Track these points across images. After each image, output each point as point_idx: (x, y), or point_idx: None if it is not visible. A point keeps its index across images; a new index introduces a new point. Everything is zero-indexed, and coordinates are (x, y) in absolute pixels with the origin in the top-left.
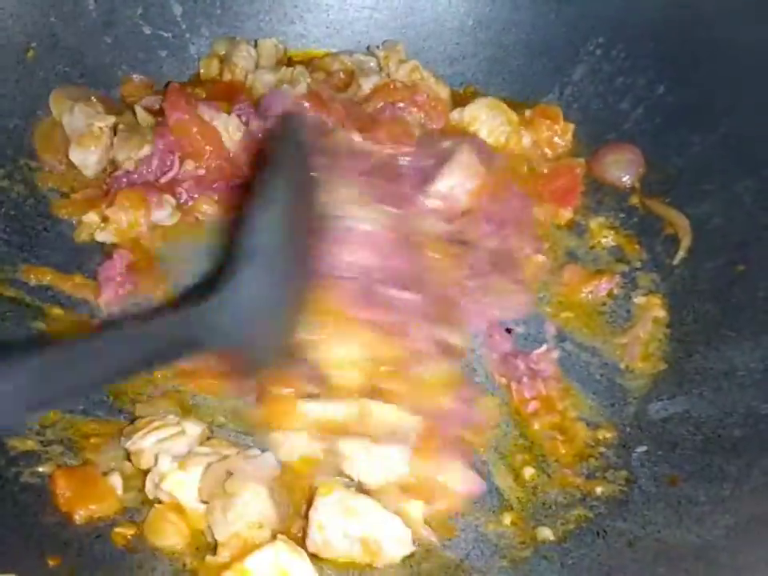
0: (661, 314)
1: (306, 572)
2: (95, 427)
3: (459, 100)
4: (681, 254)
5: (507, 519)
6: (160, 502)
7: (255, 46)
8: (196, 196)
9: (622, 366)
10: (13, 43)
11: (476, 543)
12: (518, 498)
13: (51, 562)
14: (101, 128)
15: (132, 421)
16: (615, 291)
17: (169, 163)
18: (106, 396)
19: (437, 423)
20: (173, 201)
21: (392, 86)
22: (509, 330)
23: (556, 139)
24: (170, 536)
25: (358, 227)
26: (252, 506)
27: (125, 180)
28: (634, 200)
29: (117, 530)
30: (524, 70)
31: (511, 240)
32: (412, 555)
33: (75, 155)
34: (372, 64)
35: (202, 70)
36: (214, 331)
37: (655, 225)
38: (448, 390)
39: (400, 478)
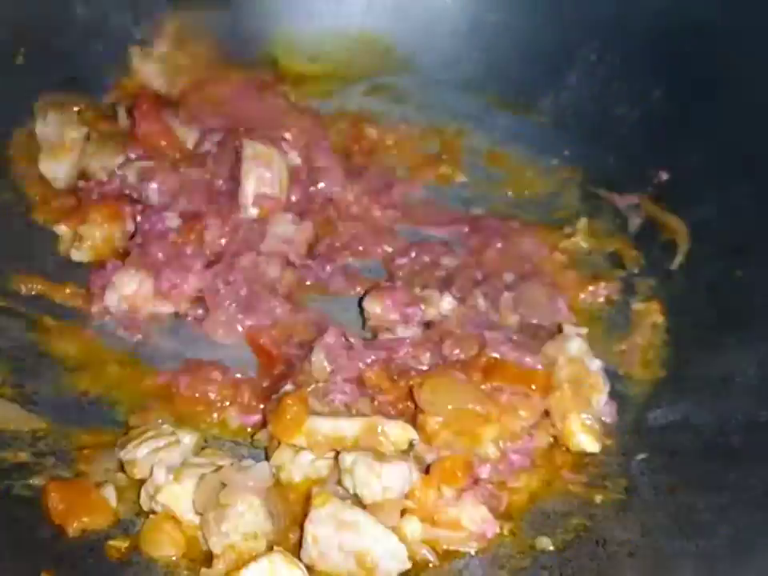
0: (659, 319)
1: None
2: (88, 438)
3: None
4: (679, 259)
5: (506, 528)
6: (154, 513)
7: None
8: None
9: (621, 372)
10: (1, 48)
11: (475, 553)
12: (516, 506)
13: None
14: (73, 139)
15: (126, 431)
16: (613, 297)
17: None
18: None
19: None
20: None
21: None
22: None
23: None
24: (165, 547)
25: None
26: (246, 517)
27: (96, 192)
28: (632, 206)
29: (111, 542)
30: (519, 75)
31: None
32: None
33: (44, 166)
34: None
35: None
36: None
37: (653, 230)
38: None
39: (399, 497)
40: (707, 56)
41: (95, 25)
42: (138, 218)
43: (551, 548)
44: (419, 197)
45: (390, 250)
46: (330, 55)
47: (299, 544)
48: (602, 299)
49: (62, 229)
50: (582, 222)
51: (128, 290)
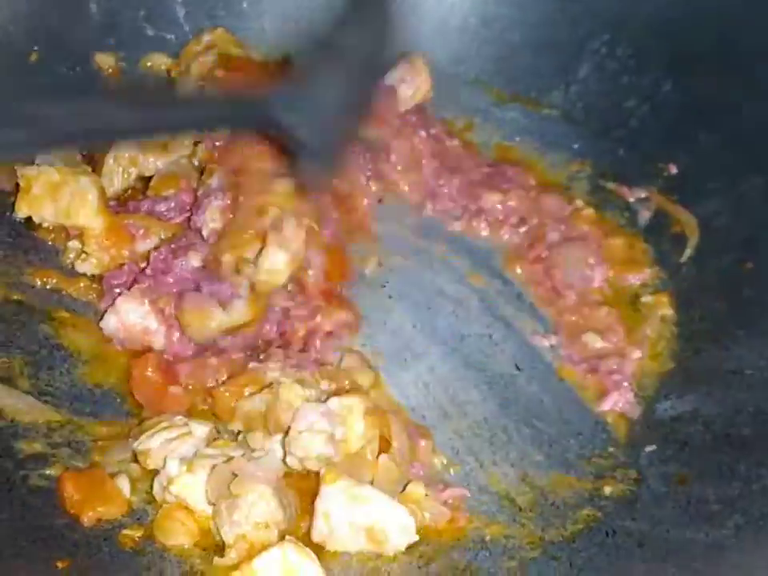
0: (669, 312)
1: (315, 572)
2: (102, 429)
3: None
4: (688, 251)
5: (515, 520)
6: (168, 503)
7: None
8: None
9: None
10: (16, 46)
11: (484, 544)
12: (525, 498)
13: (60, 565)
14: None
15: (139, 422)
16: (648, 283)
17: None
18: (114, 397)
19: None
20: (159, 229)
21: None
22: None
23: None
24: (179, 535)
25: None
26: (258, 507)
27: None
28: (641, 199)
29: (125, 532)
30: (529, 68)
31: None
32: (421, 556)
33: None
34: None
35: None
36: (287, 110)
37: (662, 223)
38: None
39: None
40: (717, 49)
41: (109, 23)
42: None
43: (561, 539)
44: None
45: None
46: None
47: (309, 524)
48: (639, 282)
49: (71, 243)
50: (588, 212)
51: (129, 318)
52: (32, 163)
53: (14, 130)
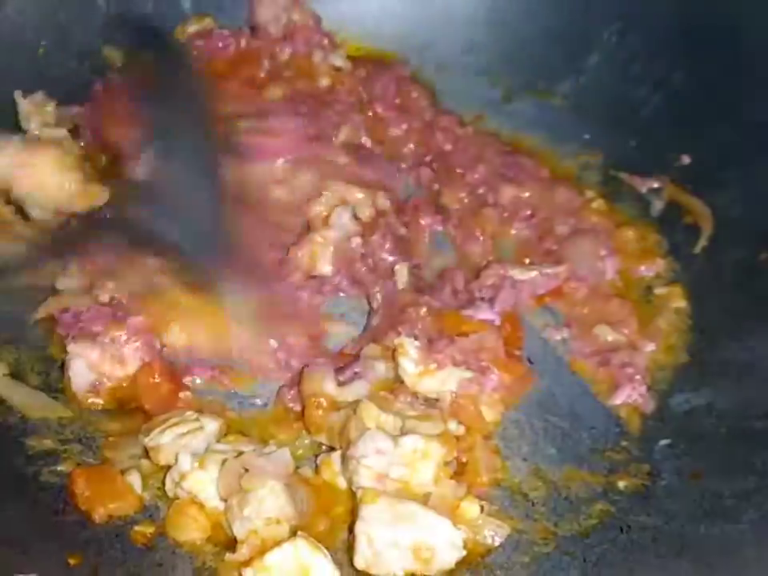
0: (682, 304)
1: (327, 568)
2: (113, 425)
3: None
4: (702, 242)
5: (528, 514)
6: (179, 499)
7: None
8: None
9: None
10: (24, 42)
11: (498, 539)
12: (538, 492)
13: (72, 561)
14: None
15: (149, 418)
16: (663, 274)
17: None
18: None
19: None
20: None
21: None
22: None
23: None
24: (191, 531)
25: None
26: (268, 502)
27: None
28: (654, 189)
29: (136, 528)
30: (539, 59)
31: None
32: None
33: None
34: None
35: None
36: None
37: (675, 213)
38: None
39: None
40: (729, 37)
41: (118, 18)
42: None
43: (574, 534)
44: None
45: None
46: (348, 42)
47: (350, 549)
48: (652, 274)
49: None
50: (598, 203)
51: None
52: None
53: None
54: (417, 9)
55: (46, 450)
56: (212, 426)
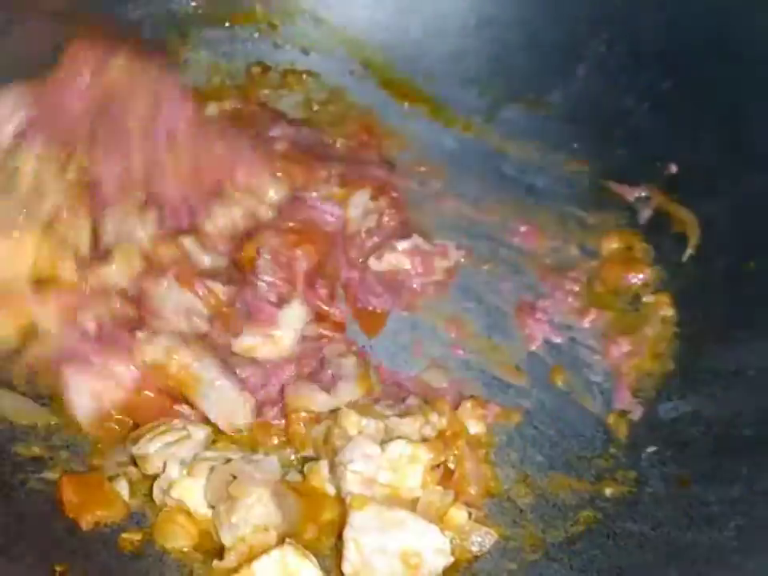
0: (669, 312)
1: (314, 575)
2: (101, 432)
3: None
4: (689, 251)
5: (516, 521)
6: (167, 507)
7: None
8: None
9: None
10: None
11: (485, 546)
12: (526, 499)
13: (59, 569)
14: None
15: (137, 425)
16: (649, 283)
17: None
18: None
19: None
20: None
21: None
22: None
23: None
24: (179, 538)
25: None
26: (256, 509)
27: None
28: (642, 198)
29: (124, 535)
30: (528, 68)
31: None
32: None
33: None
34: None
35: None
36: None
37: (663, 222)
38: None
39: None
40: (717, 47)
41: None
42: None
43: (561, 540)
44: None
45: None
46: (337, 52)
47: (338, 555)
48: (639, 282)
49: None
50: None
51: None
52: None
53: None
54: (405, 18)
55: (33, 456)
56: (200, 434)
